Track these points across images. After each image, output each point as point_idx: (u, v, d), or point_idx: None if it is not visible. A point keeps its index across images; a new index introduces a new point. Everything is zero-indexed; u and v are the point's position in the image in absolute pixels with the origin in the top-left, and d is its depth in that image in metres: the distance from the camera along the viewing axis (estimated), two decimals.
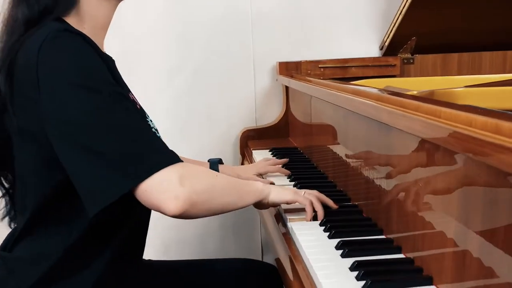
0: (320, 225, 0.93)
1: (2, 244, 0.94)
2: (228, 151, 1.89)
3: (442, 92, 1.21)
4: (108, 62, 0.89)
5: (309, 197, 0.96)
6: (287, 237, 0.94)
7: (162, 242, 1.84)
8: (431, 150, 0.70)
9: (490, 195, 0.57)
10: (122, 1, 0.93)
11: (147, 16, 1.80)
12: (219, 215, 0.92)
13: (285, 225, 0.99)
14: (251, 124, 1.89)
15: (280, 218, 1.04)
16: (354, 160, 1.08)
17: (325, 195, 1.00)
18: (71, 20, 0.87)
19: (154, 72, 1.84)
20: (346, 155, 1.13)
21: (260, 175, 1.26)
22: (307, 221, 0.95)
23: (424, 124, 0.68)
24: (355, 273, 0.73)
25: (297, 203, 0.97)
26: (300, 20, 1.83)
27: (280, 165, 1.33)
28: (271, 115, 1.87)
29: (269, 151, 1.64)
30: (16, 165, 0.88)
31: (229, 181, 0.91)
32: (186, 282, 1.07)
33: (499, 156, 0.51)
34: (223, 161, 1.30)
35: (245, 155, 1.79)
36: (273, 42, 1.84)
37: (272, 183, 1.12)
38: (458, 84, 1.59)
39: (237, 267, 1.14)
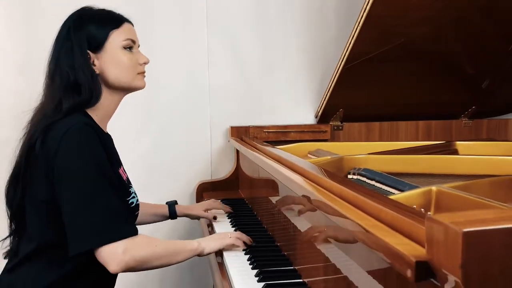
0: (248, 260, 1.25)
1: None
2: (185, 201, 2.20)
3: (349, 158, 1.58)
4: (108, 143, 1.21)
5: (234, 235, 1.32)
6: (222, 266, 1.27)
7: (123, 284, 2.10)
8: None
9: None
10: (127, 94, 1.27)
11: None
12: None
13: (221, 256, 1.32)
14: (207, 178, 2.21)
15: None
16: (280, 211, 1.42)
17: (256, 237, 1.37)
18: (89, 110, 1.18)
19: (123, 133, 2.15)
20: (277, 207, 1.47)
21: (207, 210, 1.69)
22: (241, 250, 1.31)
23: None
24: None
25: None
26: (249, 92, 2.21)
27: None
28: (224, 170, 2.21)
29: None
30: (28, 223, 1.17)
31: (166, 248, 1.18)
32: None
33: None
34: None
35: None
36: (226, 110, 2.20)
37: (215, 217, 1.65)
38: (371, 149, 1.98)
39: None
